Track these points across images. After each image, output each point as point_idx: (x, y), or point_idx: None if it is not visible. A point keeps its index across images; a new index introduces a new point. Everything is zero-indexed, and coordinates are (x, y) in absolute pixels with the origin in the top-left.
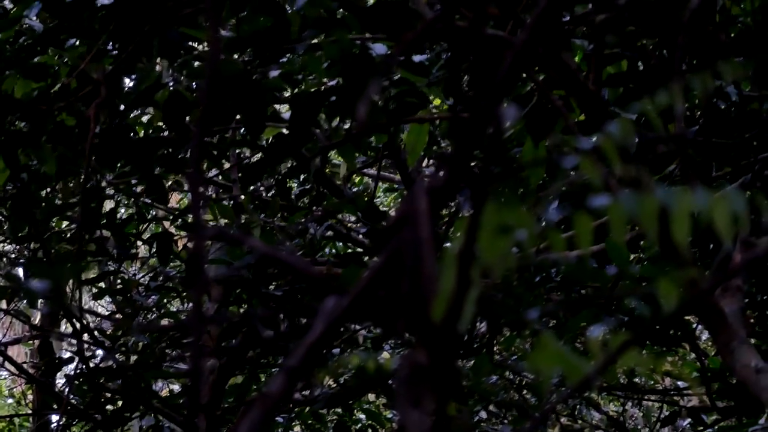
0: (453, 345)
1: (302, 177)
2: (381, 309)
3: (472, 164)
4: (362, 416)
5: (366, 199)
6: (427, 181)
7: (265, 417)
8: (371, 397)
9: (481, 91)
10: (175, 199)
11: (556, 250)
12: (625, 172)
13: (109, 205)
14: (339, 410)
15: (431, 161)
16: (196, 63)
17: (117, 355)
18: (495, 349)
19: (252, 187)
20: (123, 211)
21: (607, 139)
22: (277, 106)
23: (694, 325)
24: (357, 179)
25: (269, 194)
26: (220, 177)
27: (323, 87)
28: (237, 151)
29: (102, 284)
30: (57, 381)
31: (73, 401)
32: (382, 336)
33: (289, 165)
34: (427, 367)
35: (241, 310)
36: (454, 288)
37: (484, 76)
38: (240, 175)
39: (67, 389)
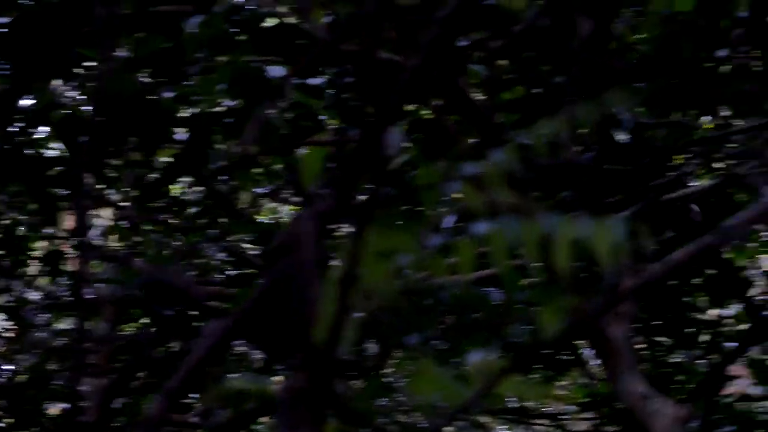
0: (333, 368)
1: (200, 198)
2: (265, 331)
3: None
4: None
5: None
6: (314, 205)
7: None
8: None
9: (370, 115)
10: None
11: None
12: (509, 199)
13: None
14: None
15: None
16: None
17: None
18: (387, 371)
19: (148, 207)
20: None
21: (491, 165)
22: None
23: (585, 351)
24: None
25: (165, 214)
26: (117, 196)
27: (220, 108)
28: (134, 171)
29: None
30: None
31: None
32: (270, 358)
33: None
34: (306, 390)
35: (135, 330)
36: (335, 311)
37: (373, 100)
38: (136, 194)
39: None
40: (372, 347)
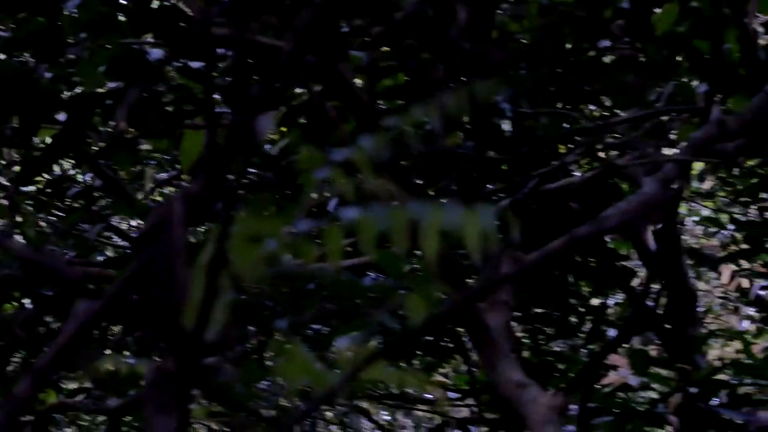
0: (202, 351)
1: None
2: (135, 314)
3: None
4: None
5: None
6: (183, 188)
7: (9, 418)
8: None
9: (242, 100)
10: None
11: (307, 261)
12: (379, 185)
13: None
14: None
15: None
16: None
17: None
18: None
19: (28, 186)
20: None
21: (361, 151)
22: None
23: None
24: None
25: (46, 195)
26: None
27: (101, 90)
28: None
29: None
30: None
31: None
32: (141, 340)
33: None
34: (174, 372)
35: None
36: (203, 295)
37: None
38: (16, 173)
39: None
40: (250, 331)
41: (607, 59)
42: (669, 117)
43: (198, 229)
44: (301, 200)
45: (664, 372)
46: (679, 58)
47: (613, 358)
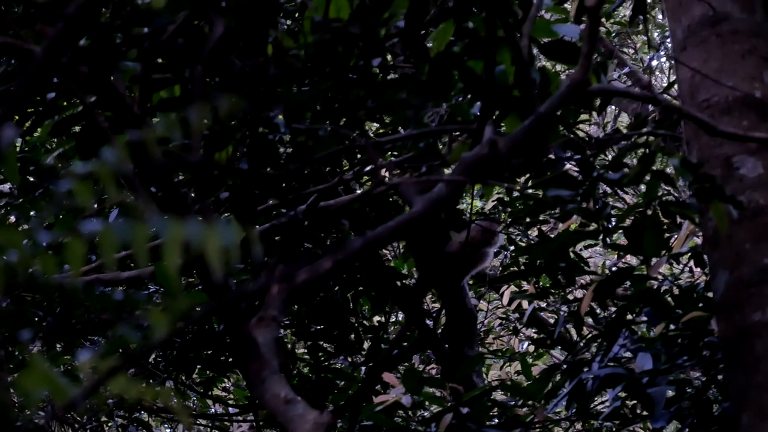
0: None
1: None
2: None
3: None
4: None
5: None
6: None
7: None
8: None
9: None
10: None
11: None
12: (121, 197)
13: None
14: None
15: None
16: None
17: None
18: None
19: None
20: None
21: (102, 163)
22: None
23: None
24: None
25: None
26: None
27: None
28: None
29: None
30: None
31: None
32: None
33: None
34: None
35: None
36: None
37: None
38: None
39: None
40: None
41: (382, 77)
42: (444, 137)
43: None
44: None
45: (437, 392)
46: (454, 78)
47: (387, 377)
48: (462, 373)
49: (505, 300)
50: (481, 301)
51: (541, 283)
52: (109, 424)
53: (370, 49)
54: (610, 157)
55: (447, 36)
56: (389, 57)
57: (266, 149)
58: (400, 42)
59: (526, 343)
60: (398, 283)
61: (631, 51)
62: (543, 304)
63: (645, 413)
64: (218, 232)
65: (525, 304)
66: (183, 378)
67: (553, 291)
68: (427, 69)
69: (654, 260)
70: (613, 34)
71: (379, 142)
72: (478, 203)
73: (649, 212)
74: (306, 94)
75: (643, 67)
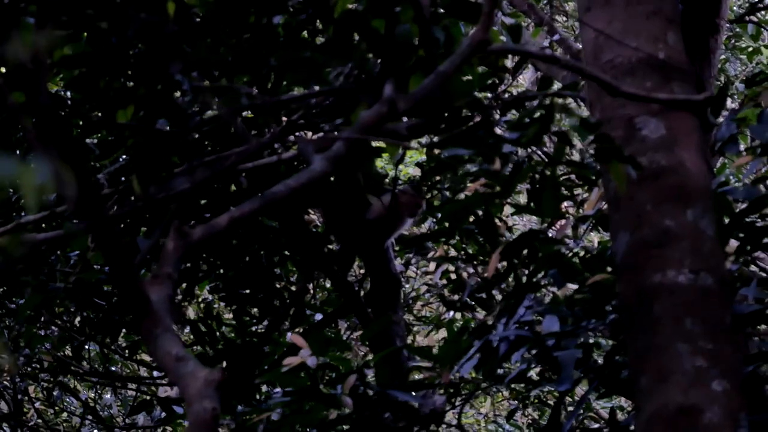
0: None
1: None
2: None
3: None
4: None
5: None
6: None
7: None
8: None
9: None
10: None
11: None
12: None
13: None
14: None
15: None
16: None
17: None
18: None
19: None
20: None
21: None
22: None
23: None
24: None
25: None
26: None
27: None
28: None
29: None
30: None
31: None
32: None
33: None
34: None
35: None
36: None
37: None
38: None
39: None
40: None
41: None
42: (345, 95)
43: None
44: None
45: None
46: (357, 37)
47: (296, 339)
48: (368, 334)
49: (432, 266)
50: (411, 268)
51: (470, 250)
52: (35, 388)
53: (272, 7)
54: None
55: None
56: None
57: (167, 107)
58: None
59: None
60: (324, 249)
61: (564, 18)
62: (471, 270)
63: (553, 376)
64: (32, 170)
65: (452, 269)
66: (108, 341)
67: (480, 257)
68: (331, 29)
69: (561, 222)
70: (544, 1)
71: (280, 101)
72: (409, 170)
73: (548, 173)
74: (205, 50)
75: (574, 35)
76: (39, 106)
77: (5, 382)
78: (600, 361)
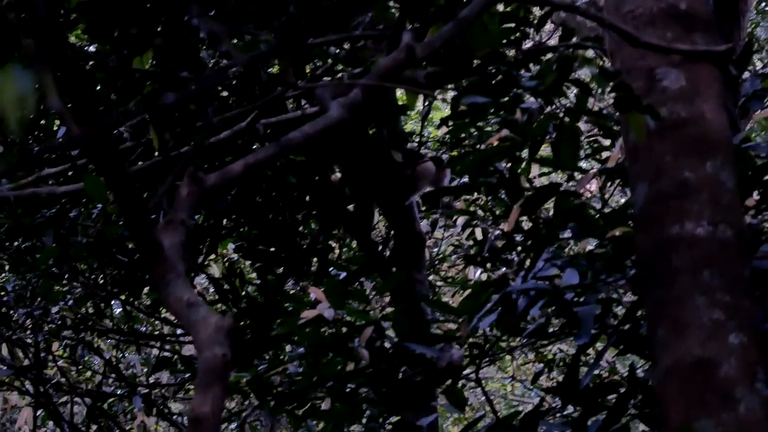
0: None
1: None
2: None
3: None
4: None
5: None
6: None
7: None
8: None
9: None
10: None
11: None
12: None
13: None
14: None
15: None
16: None
17: None
18: None
19: None
20: None
21: None
22: None
23: None
24: None
25: None
26: None
27: None
28: None
29: None
30: None
31: None
32: None
33: None
34: None
35: None
36: None
37: None
38: None
39: None
40: None
41: None
42: (365, 43)
43: None
44: None
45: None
46: None
47: (314, 292)
48: (387, 287)
49: (459, 228)
50: (438, 230)
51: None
52: (58, 345)
53: None
54: None
55: None
56: None
57: (185, 53)
58: None
59: (478, 271)
60: (348, 207)
61: None
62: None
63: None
64: (13, 79)
65: (478, 231)
66: (131, 299)
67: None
68: None
69: (581, 176)
70: None
71: (300, 47)
72: (438, 132)
73: (567, 122)
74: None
75: None
76: (38, 22)
77: (28, 340)
78: (620, 316)
